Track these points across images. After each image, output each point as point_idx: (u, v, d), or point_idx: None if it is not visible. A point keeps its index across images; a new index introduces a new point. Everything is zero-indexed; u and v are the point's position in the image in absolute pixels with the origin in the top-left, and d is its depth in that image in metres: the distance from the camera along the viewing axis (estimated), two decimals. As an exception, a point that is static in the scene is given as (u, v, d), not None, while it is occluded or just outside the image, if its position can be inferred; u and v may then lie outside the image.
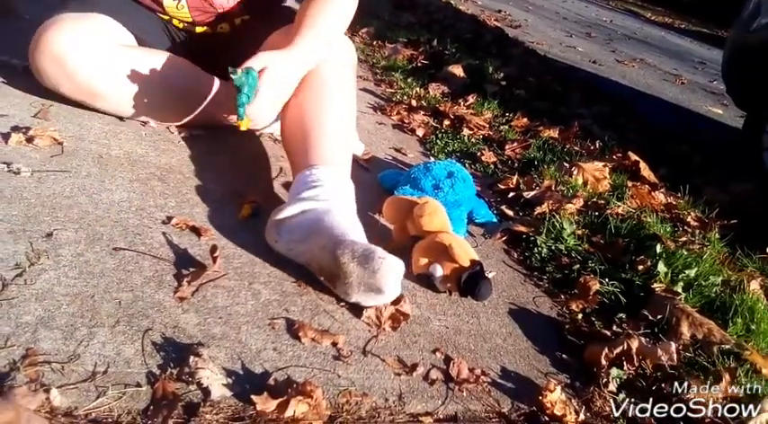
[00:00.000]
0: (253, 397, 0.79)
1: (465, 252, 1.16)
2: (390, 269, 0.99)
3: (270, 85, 1.18)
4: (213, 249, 1.05)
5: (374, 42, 3.02)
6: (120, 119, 1.38)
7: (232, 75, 1.13)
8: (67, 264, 0.92)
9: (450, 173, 1.46)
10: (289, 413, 0.79)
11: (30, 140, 1.17)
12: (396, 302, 1.05)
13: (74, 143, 1.24)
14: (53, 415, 0.69)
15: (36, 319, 0.81)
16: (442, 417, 0.90)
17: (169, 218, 1.11)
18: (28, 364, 0.73)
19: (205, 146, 1.43)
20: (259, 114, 1.22)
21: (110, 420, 0.72)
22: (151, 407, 0.75)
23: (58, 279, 0.89)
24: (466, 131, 2.07)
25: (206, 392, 0.79)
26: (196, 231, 1.11)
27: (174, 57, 1.36)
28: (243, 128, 1.20)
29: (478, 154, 1.92)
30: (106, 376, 0.77)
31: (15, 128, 1.20)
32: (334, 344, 0.95)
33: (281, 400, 0.80)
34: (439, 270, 1.15)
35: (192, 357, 0.82)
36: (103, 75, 1.27)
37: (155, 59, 1.32)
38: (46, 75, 1.26)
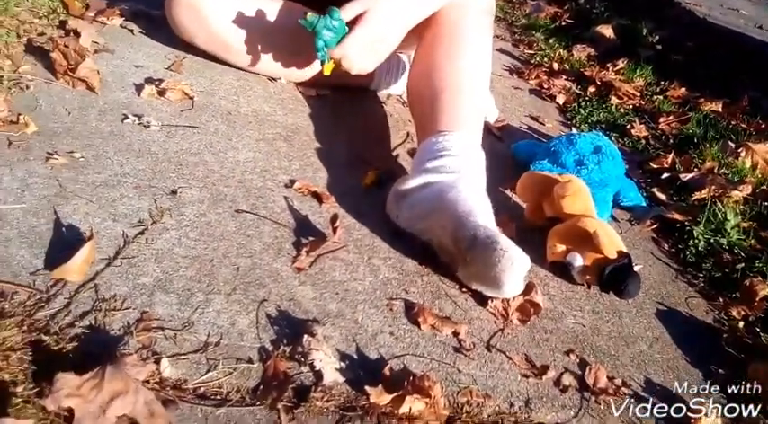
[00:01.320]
0: (367, 388, 0.72)
1: (612, 242, 1.02)
2: (511, 265, 0.87)
3: (366, 28, 1.08)
4: (334, 218, 0.99)
5: (514, -1, 2.82)
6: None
7: (300, 20, 1.07)
8: (189, 224, 0.90)
9: (596, 148, 1.30)
10: (404, 409, 0.72)
11: (161, 93, 1.17)
12: (526, 291, 0.94)
13: (204, 98, 1.22)
14: (162, 387, 0.66)
15: (154, 281, 0.79)
16: (573, 431, 0.79)
17: (292, 182, 1.07)
18: (142, 329, 0.71)
19: (332, 107, 1.37)
20: (350, 59, 1.11)
21: (218, 397, 0.68)
22: (261, 386, 0.70)
23: (179, 240, 0.87)
24: (614, 100, 1.86)
25: (318, 375, 0.74)
26: (318, 197, 1.05)
27: (302, 7, 1.29)
28: (326, 73, 1.15)
29: (627, 126, 1.72)
30: (218, 348, 0.73)
31: (149, 80, 1.19)
32: (456, 334, 0.87)
33: (396, 394, 0.72)
34: (579, 260, 1.02)
35: (305, 336, 0.77)
36: (236, 26, 1.23)
37: (286, 10, 1.26)
38: (182, 25, 1.25)
